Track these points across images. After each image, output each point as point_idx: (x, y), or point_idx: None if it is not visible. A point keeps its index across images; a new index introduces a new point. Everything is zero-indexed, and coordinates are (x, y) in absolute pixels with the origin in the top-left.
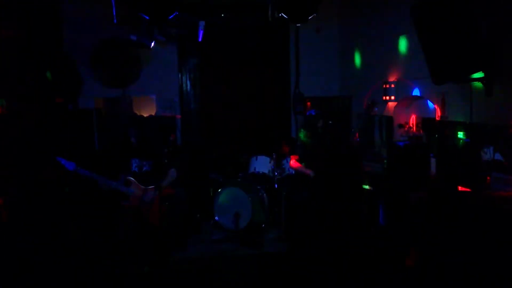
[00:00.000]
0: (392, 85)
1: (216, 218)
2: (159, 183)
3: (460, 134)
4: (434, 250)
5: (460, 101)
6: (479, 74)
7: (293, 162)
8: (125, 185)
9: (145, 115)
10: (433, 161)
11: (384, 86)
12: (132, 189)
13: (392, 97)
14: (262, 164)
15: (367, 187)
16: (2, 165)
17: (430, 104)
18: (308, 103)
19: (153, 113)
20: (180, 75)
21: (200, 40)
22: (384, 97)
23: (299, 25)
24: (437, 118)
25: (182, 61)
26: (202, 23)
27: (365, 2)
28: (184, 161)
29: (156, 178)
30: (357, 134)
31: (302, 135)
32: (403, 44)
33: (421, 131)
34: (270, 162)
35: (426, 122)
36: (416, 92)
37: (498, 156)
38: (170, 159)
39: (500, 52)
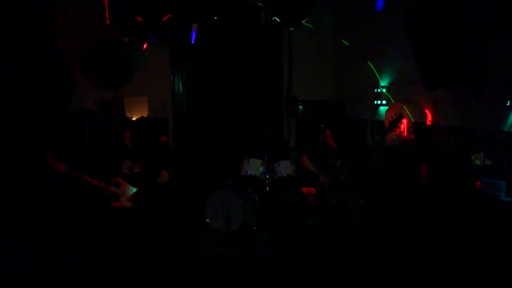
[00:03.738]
0: (384, 90)
1: (208, 220)
2: (149, 185)
3: (451, 139)
4: (427, 253)
5: (451, 106)
6: (470, 79)
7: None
8: (115, 186)
9: (135, 117)
10: (424, 165)
11: (375, 90)
12: (122, 190)
13: (384, 102)
14: (254, 167)
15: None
16: None
17: (421, 109)
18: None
19: (144, 115)
20: (172, 77)
21: (193, 42)
22: (375, 102)
23: (292, 29)
24: (428, 123)
25: (174, 63)
26: (195, 26)
27: (359, 6)
28: (175, 163)
29: (147, 180)
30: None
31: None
32: (395, 49)
33: (412, 136)
34: (262, 165)
35: (417, 126)
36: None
37: (488, 161)
38: (162, 161)
39: (491, 57)
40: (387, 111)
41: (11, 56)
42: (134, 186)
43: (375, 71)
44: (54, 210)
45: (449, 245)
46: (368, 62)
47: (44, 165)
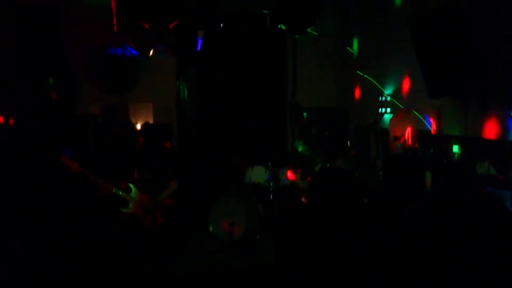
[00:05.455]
0: (388, 98)
1: (211, 228)
2: (157, 194)
3: (455, 148)
4: (427, 261)
5: (455, 114)
6: (474, 88)
7: (290, 174)
8: (126, 192)
9: (140, 123)
10: (428, 174)
11: (380, 98)
12: (132, 196)
13: (388, 110)
14: (258, 175)
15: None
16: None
17: (425, 117)
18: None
19: (150, 121)
20: (177, 83)
21: (198, 49)
22: (380, 110)
23: (297, 36)
24: (432, 132)
25: (180, 69)
26: (201, 33)
27: (363, 14)
28: (179, 170)
29: (158, 187)
30: (353, 152)
31: (299, 146)
32: (399, 57)
33: (416, 144)
34: (265, 173)
35: (421, 135)
36: None
37: (492, 171)
38: (166, 167)
39: (495, 66)
40: (391, 119)
41: (17, 63)
42: (145, 193)
43: (376, 83)
44: (54, 210)
45: (449, 245)
46: (366, 75)
47: (56, 163)
